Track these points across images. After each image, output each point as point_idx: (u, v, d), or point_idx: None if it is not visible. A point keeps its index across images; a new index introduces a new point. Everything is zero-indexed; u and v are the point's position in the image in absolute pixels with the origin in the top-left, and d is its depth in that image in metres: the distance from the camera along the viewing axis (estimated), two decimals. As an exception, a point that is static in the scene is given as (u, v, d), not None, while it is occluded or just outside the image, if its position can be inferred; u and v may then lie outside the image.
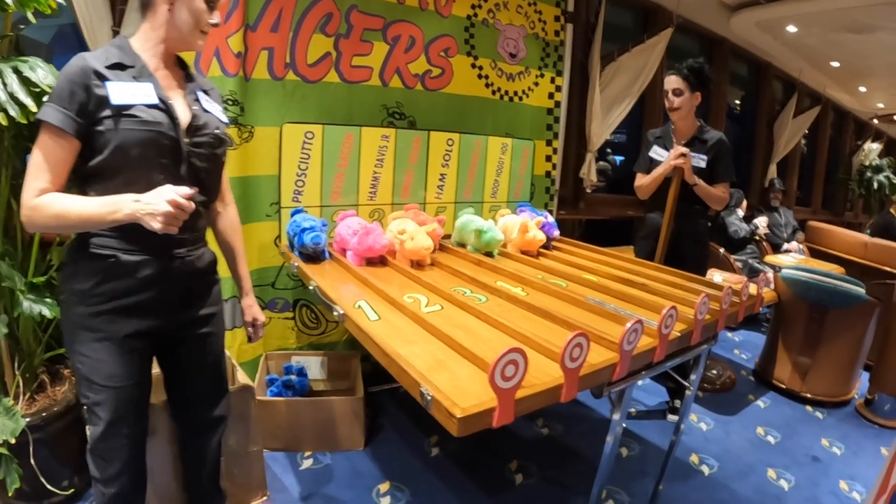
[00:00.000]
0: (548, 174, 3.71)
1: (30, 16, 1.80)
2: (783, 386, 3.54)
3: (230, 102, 2.42)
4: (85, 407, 1.44)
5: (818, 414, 3.32)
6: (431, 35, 2.95)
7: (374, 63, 2.81)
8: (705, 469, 2.63)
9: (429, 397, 1.14)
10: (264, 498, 2.17)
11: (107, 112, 1.28)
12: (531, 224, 2.59)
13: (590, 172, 4.45)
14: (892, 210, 5.90)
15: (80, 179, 1.35)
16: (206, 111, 1.49)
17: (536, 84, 3.48)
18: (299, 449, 2.52)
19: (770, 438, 2.97)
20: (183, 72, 1.52)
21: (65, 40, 2.53)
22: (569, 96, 3.76)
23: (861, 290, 3.23)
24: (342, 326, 1.76)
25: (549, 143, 3.65)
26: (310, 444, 2.52)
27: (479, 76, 3.20)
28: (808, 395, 3.43)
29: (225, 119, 1.59)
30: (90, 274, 1.37)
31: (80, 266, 1.38)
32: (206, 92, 1.56)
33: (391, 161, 2.97)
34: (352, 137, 2.80)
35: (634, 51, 4.48)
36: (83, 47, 2.29)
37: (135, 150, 1.31)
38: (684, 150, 2.66)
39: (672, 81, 2.71)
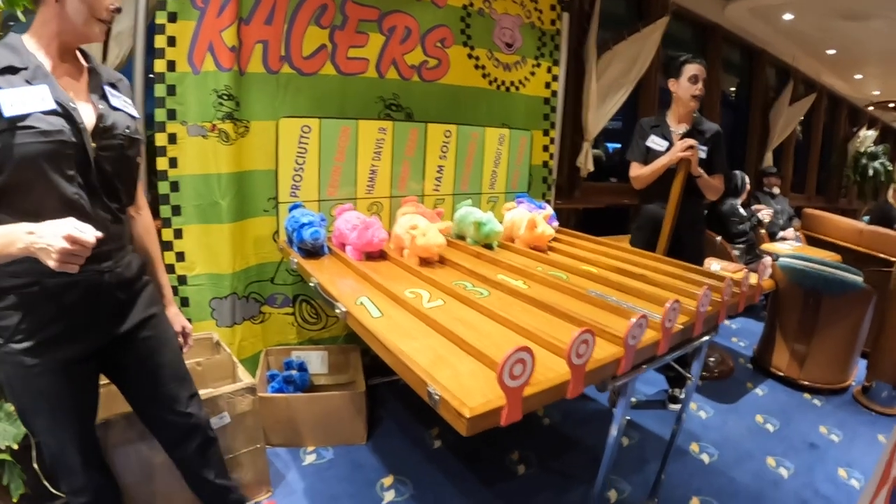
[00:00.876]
0: (545, 164, 3.70)
1: (19, 14, 1.78)
2: (781, 373, 3.56)
3: (225, 97, 2.39)
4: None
5: (816, 401, 3.35)
6: (427, 25, 2.92)
7: (370, 55, 2.79)
8: (705, 457, 2.64)
9: (436, 397, 1.14)
10: (268, 494, 2.18)
11: (0, 126, 1.16)
12: (539, 219, 2.55)
13: (586, 161, 4.45)
14: (889, 198, 5.92)
15: None
16: (114, 108, 1.38)
17: (533, 74, 3.46)
18: (301, 444, 2.52)
19: (769, 426, 2.99)
20: (86, 66, 1.40)
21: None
22: (565, 85, 3.74)
23: (857, 278, 3.24)
24: (342, 321, 1.75)
25: (545, 132, 3.64)
26: (312, 440, 2.53)
27: (476, 66, 3.18)
28: (806, 383, 3.45)
29: (136, 114, 1.47)
30: (12, 308, 1.27)
31: (1, 301, 1.28)
32: (113, 85, 1.44)
33: (388, 154, 2.95)
34: (349, 131, 2.78)
35: (630, 39, 4.47)
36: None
37: (37, 165, 1.19)
38: (692, 142, 2.66)
39: (702, 70, 2.76)
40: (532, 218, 2.56)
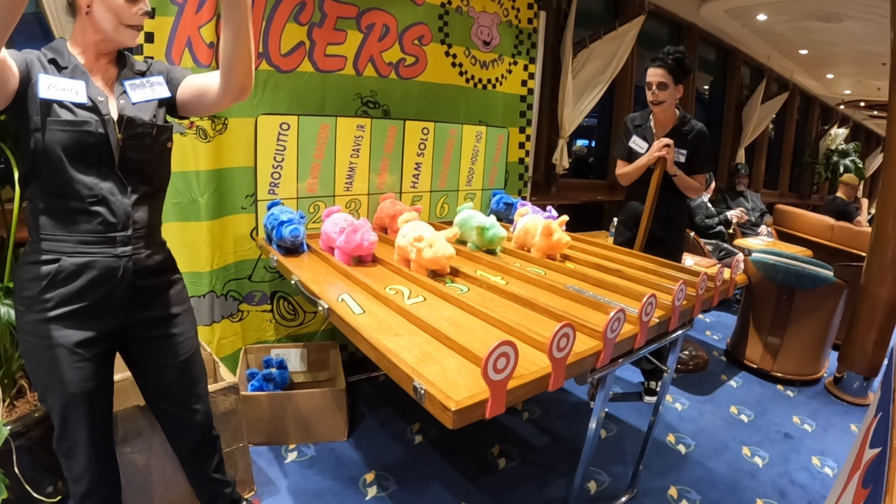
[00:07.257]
0: (521, 161, 3.72)
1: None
2: (754, 366, 3.63)
3: (203, 94, 2.37)
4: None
5: (789, 392, 3.42)
6: (405, 23, 2.92)
7: (348, 52, 2.78)
8: (682, 448, 2.69)
9: (422, 391, 1.15)
10: (252, 493, 2.17)
11: (34, 105, 1.28)
12: (555, 225, 2.39)
13: (562, 158, 4.49)
14: (839, 194, 6.05)
15: (21, 184, 1.40)
16: (133, 104, 1.44)
17: (510, 72, 3.48)
18: (283, 442, 2.51)
19: (743, 417, 3.05)
20: (118, 69, 1.48)
21: (27, 30, 2.46)
22: (541, 82, 3.77)
23: (829, 273, 3.31)
24: (320, 316, 1.75)
25: (522, 130, 3.66)
26: (293, 437, 2.52)
27: (454, 64, 3.19)
28: (779, 375, 3.53)
29: (164, 94, 1.50)
30: (35, 280, 1.36)
31: (27, 272, 1.37)
32: (141, 73, 1.50)
33: (367, 151, 2.94)
34: (327, 128, 2.77)
35: (606, 37, 4.53)
36: (48, 37, 2.24)
37: (56, 154, 1.30)
38: (668, 140, 2.67)
39: (657, 74, 2.65)
40: (547, 224, 2.40)
